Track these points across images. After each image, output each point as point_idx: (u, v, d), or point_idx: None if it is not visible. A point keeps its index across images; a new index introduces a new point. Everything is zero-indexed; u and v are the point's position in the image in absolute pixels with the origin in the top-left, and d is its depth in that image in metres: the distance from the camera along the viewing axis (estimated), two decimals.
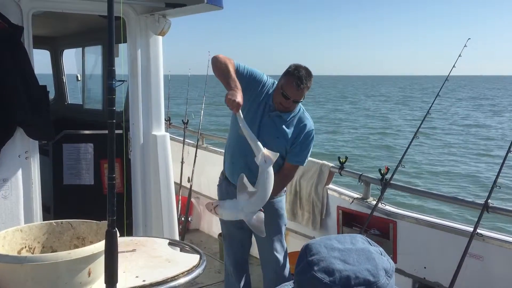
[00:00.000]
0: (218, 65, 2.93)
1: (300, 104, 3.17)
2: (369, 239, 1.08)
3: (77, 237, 2.01)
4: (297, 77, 2.97)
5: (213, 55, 3.03)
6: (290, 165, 3.19)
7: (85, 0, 3.52)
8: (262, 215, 2.80)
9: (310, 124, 3.19)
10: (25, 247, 1.92)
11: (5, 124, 3.20)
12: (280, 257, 3.33)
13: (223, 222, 3.45)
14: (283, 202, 3.36)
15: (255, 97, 3.12)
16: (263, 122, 3.12)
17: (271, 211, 3.21)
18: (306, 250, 1.02)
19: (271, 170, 2.76)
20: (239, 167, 3.11)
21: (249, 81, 3.10)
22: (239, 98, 2.71)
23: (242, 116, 2.80)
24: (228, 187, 3.32)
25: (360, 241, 1.04)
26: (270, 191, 2.77)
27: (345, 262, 0.95)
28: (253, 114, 3.10)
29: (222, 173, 3.41)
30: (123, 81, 1.64)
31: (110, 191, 1.56)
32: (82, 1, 3.54)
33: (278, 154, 2.81)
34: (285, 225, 3.40)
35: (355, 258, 0.96)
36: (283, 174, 3.18)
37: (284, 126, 3.12)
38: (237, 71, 3.02)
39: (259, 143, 2.78)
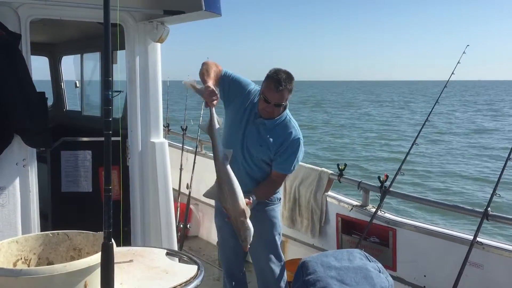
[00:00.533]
0: (203, 67, 3.00)
1: (287, 112, 3.16)
2: (367, 254, 1.07)
3: (73, 248, 1.99)
4: (276, 80, 2.96)
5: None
6: (276, 172, 3.15)
7: (83, 7, 3.51)
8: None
9: (295, 133, 3.13)
10: (21, 258, 1.90)
11: (3, 132, 3.19)
12: (275, 267, 3.24)
13: (218, 229, 3.44)
14: (276, 210, 3.30)
15: (240, 105, 3.13)
16: (247, 129, 3.12)
17: (263, 220, 3.19)
18: (303, 268, 1.00)
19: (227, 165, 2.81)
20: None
21: (235, 87, 3.14)
22: (211, 86, 2.83)
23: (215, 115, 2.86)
24: None
25: (358, 257, 1.02)
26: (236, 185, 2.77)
27: (342, 283, 0.94)
28: (239, 122, 3.12)
29: None
30: (120, 91, 1.62)
31: (106, 203, 1.55)
32: (81, 8, 3.52)
33: (231, 151, 2.86)
34: (279, 234, 3.32)
35: (352, 277, 0.95)
36: (271, 181, 3.15)
37: (267, 134, 3.10)
38: (224, 76, 3.10)
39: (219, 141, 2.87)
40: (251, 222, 2.81)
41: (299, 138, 3.14)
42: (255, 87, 3.20)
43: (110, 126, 1.54)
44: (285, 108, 3.14)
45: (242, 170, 3.10)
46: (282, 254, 3.35)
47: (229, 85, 3.14)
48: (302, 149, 3.16)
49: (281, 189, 3.48)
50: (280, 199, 3.36)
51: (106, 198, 1.55)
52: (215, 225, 5.56)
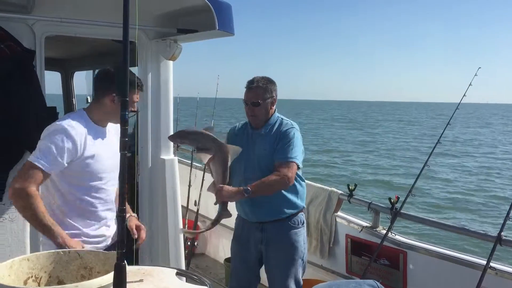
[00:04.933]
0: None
1: (278, 115, 3.25)
2: (378, 284, 1.03)
3: (84, 267, 1.97)
4: (249, 81, 3.22)
5: None
6: (278, 163, 3.07)
7: (98, 25, 3.55)
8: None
9: (288, 124, 3.20)
10: (32, 276, 1.88)
11: (13, 147, 3.20)
12: None
13: (233, 255, 3.41)
14: (299, 234, 3.19)
15: (238, 142, 3.20)
16: (249, 147, 3.18)
17: (285, 244, 3.16)
18: None
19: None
20: (248, 206, 3.20)
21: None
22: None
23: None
24: (244, 224, 3.31)
25: None
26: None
27: None
28: (245, 149, 3.14)
29: (237, 214, 3.41)
30: (137, 111, 1.62)
31: (120, 224, 1.54)
32: (95, 26, 3.56)
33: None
34: (301, 259, 3.20)
35: None
36: (276, 174, 3.03)
37: (266, 137, 3.18)
38: None
39: None
40: (273, 245, 3.14)
41: (292, 128, 3.17)
42: (234, 125, 3.43)
43: (126, 145, 1.54)
44: (269, 109, 3.20)
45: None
46: (301, 280, 3.24)
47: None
48: (297, 136, 3.16)
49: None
50: (304, 222, 3.25)
51: (120, 218, 1.54)
52: (222, 244, 5.58)
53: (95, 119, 2.55)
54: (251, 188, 2.96)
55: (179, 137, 3.12)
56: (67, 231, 2.40)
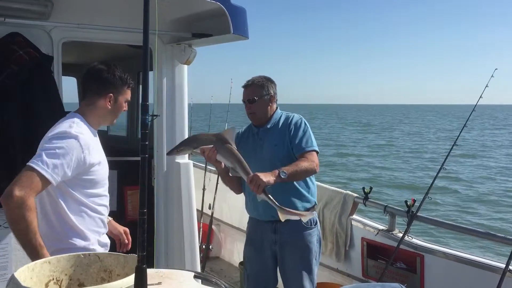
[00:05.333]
0: None
1: (281, 112, 3.27)
2: (403, 287, 1.03)
3: (104, 269, 1.99)
4: (245, 82, 3.25)
5: None
6: (301, 154, 3.08)
7: (114, 30, 3.59)
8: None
9: (294, 116, 3.24)
10: (53, 279, 1.90)
11: (33, 152, 3.24)
12: None
13: (248, 260, 3.37)
14: (313, 235, 3.20)
15: (244, 146, 3.19)
16: (256, 145, 3.21)
17: (299, 244, 3.15)
18: None
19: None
20: (261, 203, 3.09)
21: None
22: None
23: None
24: (257, 226, 3.28)
25: None
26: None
27: None
28: (253, 153, 3.14)
29: (249, 217, 3.39)
30: (157, 115, 1.64)
31: (141, 226, 1.55)
32: (111, 31, 3.60)
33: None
34: (315, 259, 3.22)
35: None
36: (305, 160, 3.04)
37: (274, 133, 3.19)
38: None
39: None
40: (287, 247, 3.09)
41: (300, 118, 3.23)
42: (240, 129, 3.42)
43: (147, 149, 1.56)
44: (268, 106, 3.21)
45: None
46: (315, 280, 3.25)
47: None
48: (308, 125, 3.20)
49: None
50: (317, 222, 3.25)
51: (141, 221, 1.55)
52: (237, 247, 5.58)
53: (91, 123, 2.40)
54: (286, 171, 2.90)
55: (175, 149, 3.01)
56: (85, 242, 2.32)
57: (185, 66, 4.11)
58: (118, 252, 2.49)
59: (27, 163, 2.11)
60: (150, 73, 4.10)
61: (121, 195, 4.77)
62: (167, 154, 3.26)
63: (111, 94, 2.39)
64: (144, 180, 1.57)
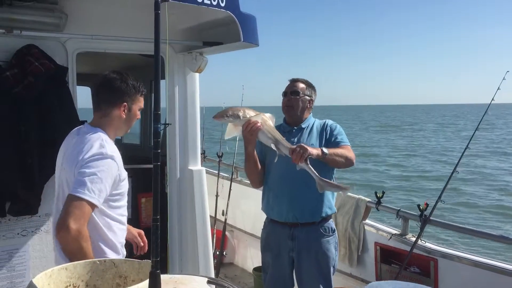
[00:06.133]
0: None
1: (312, 117, 3.34)
2: None
3: (119, 275, 2.03)
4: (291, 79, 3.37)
5: None
6: (343, 146, 3.16)
7: (127, 41, 3.65)
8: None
9: (329, 120, 3.34)
10: (70, 285, 1.94)
11: (49, 160, 3.31)
12: None
13: (267, 266, 3.36)
14: (331, 242, 3.19)
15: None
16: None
17: (316, 251, 3.15)
18: None
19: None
20: (285, 202, 3.15)
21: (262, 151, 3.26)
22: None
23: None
24: (273, 231, 3.28)
25: None
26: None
27: None
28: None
29: (266, 218, 3.37)
30: (169, 124, 1.68)
31: (154, 233, 1.59)
32: (124, 41, 3.67)
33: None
34: (333, 267, 3.21)
35: None
36: (346, 149, 3.13)
37: (310, 133, 3.24)
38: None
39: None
40: (304, 254, 3.10)
41: (333, 122, 3.33)
42: None
43: (159, 157, 1.59)
44: (305, 107, 3.28)
45: (301, 185, 3.09)
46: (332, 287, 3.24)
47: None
48: (341, 127, 3.32)
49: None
50: (334, 230, 3.25)
51: (154, 227, 1.59)
52: (250, 253, 5.60)
53: (109, 135, 2.40)
54: (328, 151, 2.97)
55: (221, 114, 2.97)
56: (117, 255, 2.36)
57: (197, 74, 4.16)
58: (136, 254, 2.54)
59: (73, 193, 2.13)
60: (162, 82, 4.16)
61: (135, 202, 4.83)
62: (213, 117, 3.09)
63: (125, 103, 2.41)
64: (156, 187, 1.61)
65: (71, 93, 3.43)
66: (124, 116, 2.43)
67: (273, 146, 2.92)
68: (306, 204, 3.11)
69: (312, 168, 2.88)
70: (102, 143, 2.28)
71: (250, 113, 2.92)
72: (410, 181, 19.77)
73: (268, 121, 2.95)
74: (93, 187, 2.14)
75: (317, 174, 2.89)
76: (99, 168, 2.18)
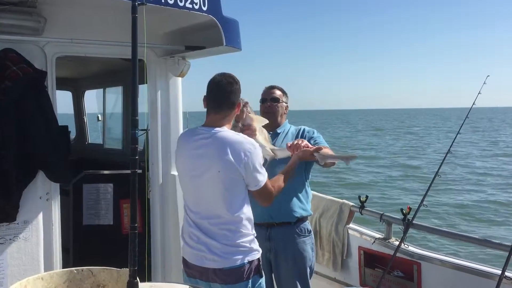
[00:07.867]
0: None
1: (288, 123, 3.50)
2: None
3: (97, 284, 1.99)
4: (268, 86, 3.56)
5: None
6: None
7: (107, 45, 3.60)
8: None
9: (304, 127, 3.48)
10: None
11: (28, 167, 3.24)
12: None
13: None
14: (307, 243, 3.27)
15: None
16: None
17: (293, 252, 3.19)
18: None
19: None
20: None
21: None
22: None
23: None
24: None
25: None
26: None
27: None
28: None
29: None
30: (147, 129, 1.65)
31: (132, 241, 1.55)
32: (104, 45, 3.62)
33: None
34: (309, 267, 3.30)
35: None
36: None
37: (287, 137, 3.36)
38: None
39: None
40: (281, 255, 3.17)
41: (310, 128, 3.50)
42: None
43: (136, 164, 1.56)
44: (283, 113, 3.45)
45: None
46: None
47: None
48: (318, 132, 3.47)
49: (311, 220, 3.46)
50: (310, 231, 3.37)
51: (132, 235, 1.56)
52: None
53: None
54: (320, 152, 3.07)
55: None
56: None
57: (179, 79, 4.13)
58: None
59: (260, 185, 2.63)
60: (144, 86, 4.11)
61: (117, 208, 4.76)
62: None
63: (239, 100, 2.71)
64: (134, 194, 1.58)
65: (50, 98, 3.37)
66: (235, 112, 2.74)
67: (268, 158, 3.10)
68: (281, 204, 3.17)
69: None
70: (246, 137, 2.66)
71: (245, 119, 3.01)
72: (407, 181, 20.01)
73: (263, 130, 3.12)
74: (264, 174, 2.65)
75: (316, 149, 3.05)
76: (259, 160, 2.62)
